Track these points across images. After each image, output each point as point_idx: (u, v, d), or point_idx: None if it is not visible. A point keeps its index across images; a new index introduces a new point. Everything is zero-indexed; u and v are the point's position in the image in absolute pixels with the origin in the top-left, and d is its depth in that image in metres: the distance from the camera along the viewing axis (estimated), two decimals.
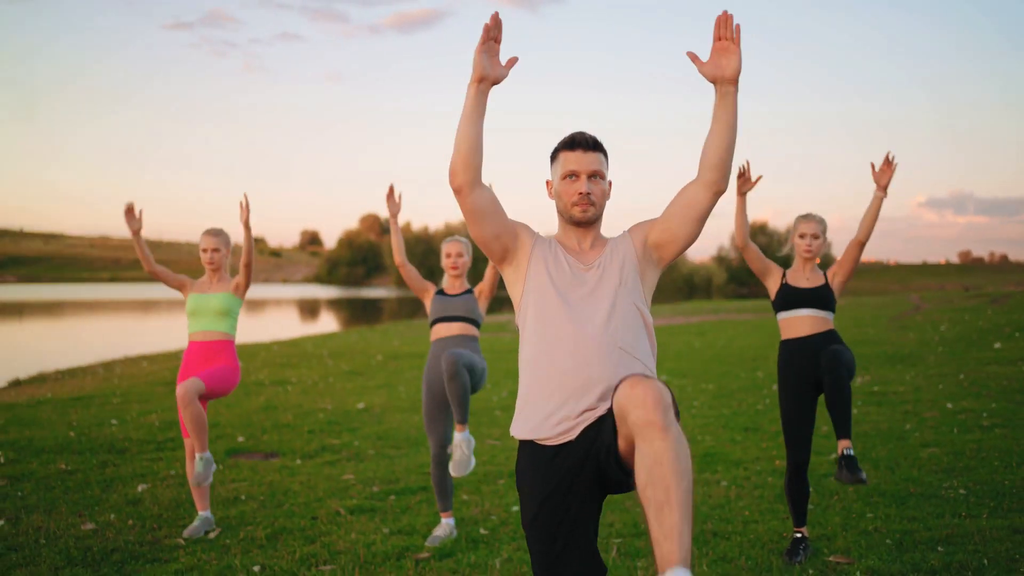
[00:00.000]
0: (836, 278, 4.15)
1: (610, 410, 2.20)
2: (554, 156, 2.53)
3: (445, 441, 4.47)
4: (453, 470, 4.26)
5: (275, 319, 33.53)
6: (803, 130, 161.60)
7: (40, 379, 13.67)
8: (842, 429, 3.93)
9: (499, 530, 4.57)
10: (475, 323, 4.53)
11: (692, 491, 1.93)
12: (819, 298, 4.06)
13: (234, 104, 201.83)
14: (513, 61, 2.39)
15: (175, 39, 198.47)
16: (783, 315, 4.13)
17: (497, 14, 2.32)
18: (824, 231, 4.16)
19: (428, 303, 4.63)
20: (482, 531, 4.56)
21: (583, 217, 2.45)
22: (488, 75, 2.33)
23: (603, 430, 2.22)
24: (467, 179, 2.33)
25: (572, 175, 2.44)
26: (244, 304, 4.91)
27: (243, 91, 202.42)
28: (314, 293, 68.30)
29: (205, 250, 4.74)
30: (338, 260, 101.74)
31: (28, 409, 9.16)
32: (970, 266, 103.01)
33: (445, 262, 4.58)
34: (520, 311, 2.46)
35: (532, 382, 2.37)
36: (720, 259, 76.65)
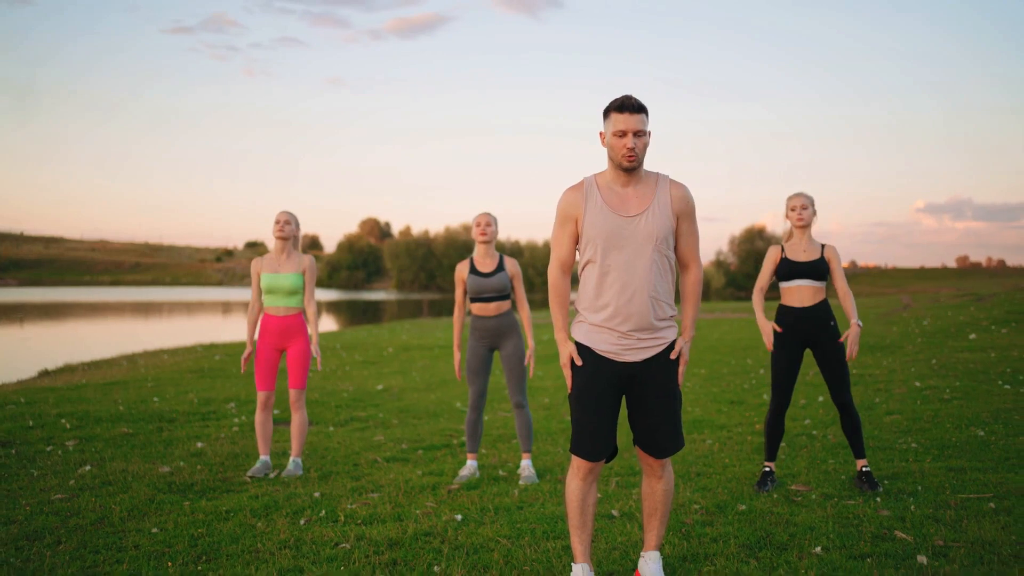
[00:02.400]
0: (831, 263, 4.85)
1: (654, 386, 3.14)
2: (607, 114, 3.24)
3: (483, 391, 5.26)
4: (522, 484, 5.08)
5: None
6: (805, 134, 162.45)
7: (69, 370, 14.39)
8: (858, 451, 4.83)
9: (515, 473, 5.36)
10: (507, 297, 5.30)
11: (670, 507, 3.23)
12: (815, 270, 4.81)
13: (235, 108, 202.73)
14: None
15: (176, 43, 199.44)
16: (784, 284, 4.91)
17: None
18: (812, 203, 4.91)
19: (465, 281, 5.30)
20: (501, 473, 5.36)
21: (630, 166, 3.19)
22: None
23: (640, 393, 3.14)
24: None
25: (621, 133, 3.17)
26: None
27: (244, 95, 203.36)
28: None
29: (278, 222, 5.50)
30: (339, 264, 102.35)
31: (71, 391, 9.90)
32: (968, 271, 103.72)
33: (475, 231, 5.30)
34: (580, 261, 3.26)
35: (587, 304, 3.19)
36: (719, 263, 77.48)
